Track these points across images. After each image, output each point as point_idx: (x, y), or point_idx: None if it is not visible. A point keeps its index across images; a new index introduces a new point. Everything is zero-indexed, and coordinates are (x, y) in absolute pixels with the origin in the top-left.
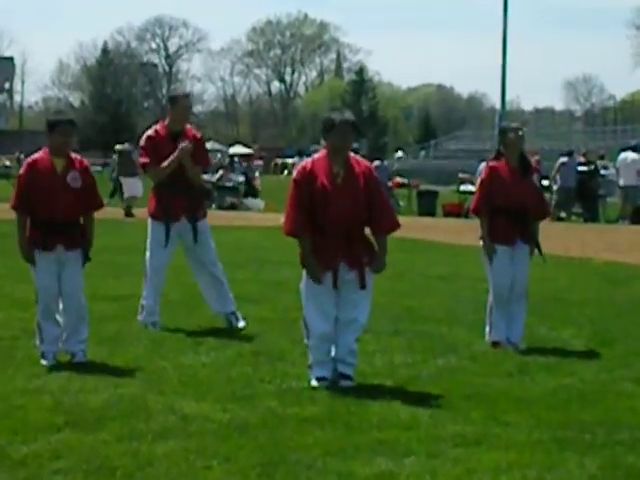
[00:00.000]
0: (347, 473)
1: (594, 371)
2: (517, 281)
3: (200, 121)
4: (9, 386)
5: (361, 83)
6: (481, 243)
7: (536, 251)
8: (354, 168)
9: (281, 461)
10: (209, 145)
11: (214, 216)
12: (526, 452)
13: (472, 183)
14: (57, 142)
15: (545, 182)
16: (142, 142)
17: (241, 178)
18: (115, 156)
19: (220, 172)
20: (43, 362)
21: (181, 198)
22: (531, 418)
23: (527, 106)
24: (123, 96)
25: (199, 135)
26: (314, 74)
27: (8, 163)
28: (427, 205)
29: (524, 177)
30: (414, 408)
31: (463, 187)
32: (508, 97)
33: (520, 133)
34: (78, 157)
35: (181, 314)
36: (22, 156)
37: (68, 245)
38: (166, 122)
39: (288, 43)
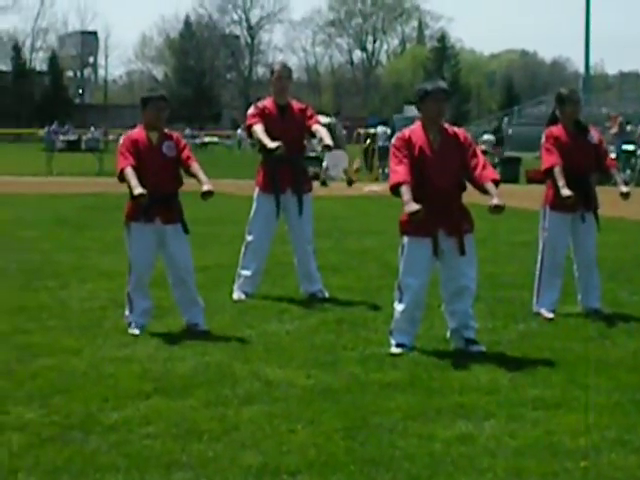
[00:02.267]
0: (428, 436)
1: None
2: (586, 251)
3: None
4: (98, 355)
5: (443, 50)
6: (541, 209)
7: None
8: (449, 135)
9: (363, 425)
10: None
11: None
12: (605, 414)
13: None
14: (150, 117)
15: (630, 147)
16: (250, 110)
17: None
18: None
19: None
20: (131, 331)
21: (288, 171)
22: (610, 381)
23: (611, 70)
24: (206, 68)
25: (304, 105)
26: (396, 42)
27: (95, 137)
28: (510, 172)
29: (583, 138)
30: (494, 372)
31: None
32: (592, 61)
33: (578, 107)
34: (169, 131)
35: (266, 283)
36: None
37: (167, 219)
38: (272, 96)
39: (369, 11)
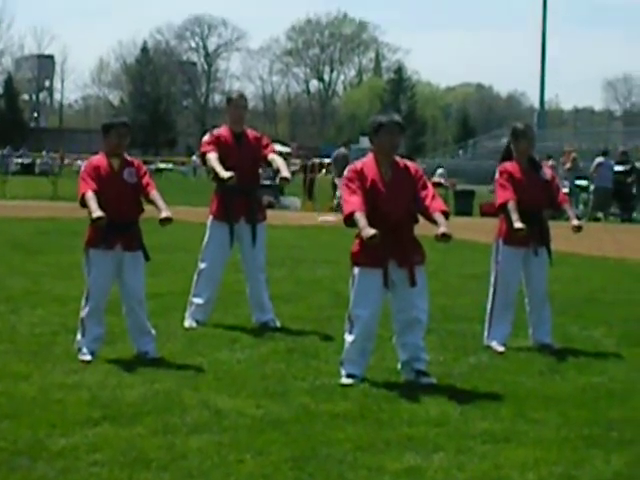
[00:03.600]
0: (377, 468)
1: (624, 370)
2: (537, 286)
3: None
4: (48, 380)
5: (400, 82)
6: (494, 243)
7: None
8: (400, 168)
9: (313, 455)
10: None
11: None
12: (553, 449)
13: None
14: (112, 143)
15: (583, 182)
16: (205, 137)
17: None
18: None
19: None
20: (81, 357)
21: (242, 200)
22: (559, 416)
23: (566, 106)
24: (162, 95)
25: (260, 134)
26: (353, 73)
27: (49, 161)
28: (464, 205)
29: (536, 174)
30: (444, 405)
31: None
32: (547, 97)
33: (533, 143)
34: (130, 157)
35: (218, 311)
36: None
37: (127, 246)
38: (228, 124)
39: (327, 42)
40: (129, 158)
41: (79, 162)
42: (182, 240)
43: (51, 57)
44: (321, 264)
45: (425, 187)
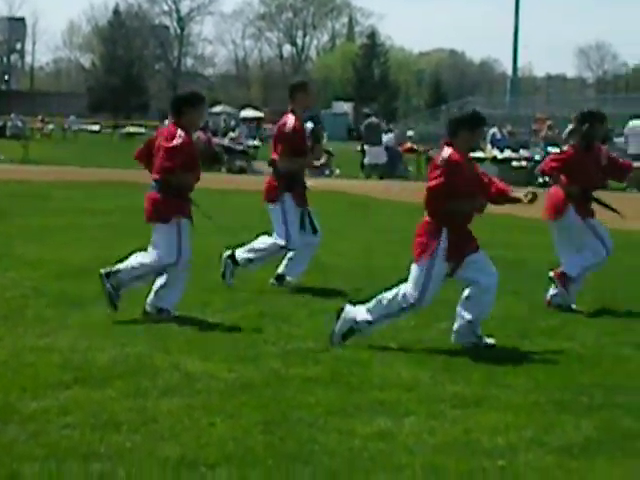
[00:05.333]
0: (348, 431)
1: (594, 335)
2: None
3: (211, 84)
4: (19, 344)
5: (373, 47)
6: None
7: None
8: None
9: (283, 419)
10: (220, 108)
11: (223, 179)
12: (523, 413)
13: (481, 149)
14: (198, 117)
15: (555, 149)
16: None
17: (251, 141)
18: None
19: (231, 135)
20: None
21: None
22: (530, 381)
23: (539, 72)
24: (134, 58)
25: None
26: (326, 38)
27: (20, 124)
28: None
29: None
30: (415, 369)
31: (471, 153)
32: (520, 63)
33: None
34: None
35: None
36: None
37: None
38: (295, 109)
39: (300, 6)
40: None
41: (50, 126)
42: None
43: (22, 19)
44: None
45: (485, 175)
